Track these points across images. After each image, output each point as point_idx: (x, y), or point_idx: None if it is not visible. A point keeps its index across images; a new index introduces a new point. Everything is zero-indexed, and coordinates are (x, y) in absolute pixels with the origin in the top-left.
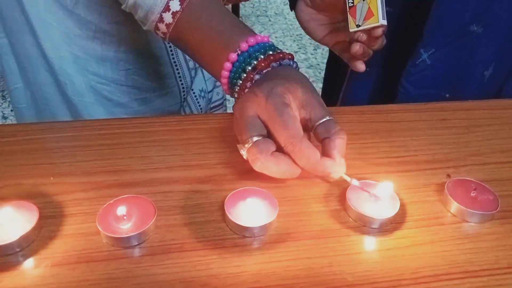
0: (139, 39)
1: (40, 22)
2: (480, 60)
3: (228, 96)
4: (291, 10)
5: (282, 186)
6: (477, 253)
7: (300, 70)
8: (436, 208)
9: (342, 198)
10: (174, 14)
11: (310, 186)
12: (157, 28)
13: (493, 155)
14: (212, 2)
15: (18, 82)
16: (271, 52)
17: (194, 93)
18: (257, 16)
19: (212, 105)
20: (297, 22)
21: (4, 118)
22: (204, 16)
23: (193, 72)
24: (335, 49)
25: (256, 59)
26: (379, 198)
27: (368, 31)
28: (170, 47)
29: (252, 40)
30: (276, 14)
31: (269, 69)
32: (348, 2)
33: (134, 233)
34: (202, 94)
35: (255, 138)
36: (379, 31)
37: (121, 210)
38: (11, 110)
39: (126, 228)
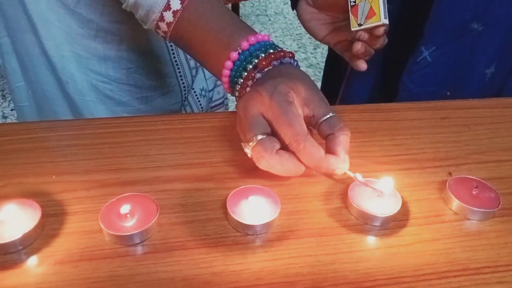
0: (141, 38)
1: (42, 21)
2: (481, 59)
3: (228, 95)
4: (293, 10)
5: (284, 184)
6: (479, 251)
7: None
8: (438, 206)
9: (344, 196)
10: (174, 13)
11: (312, 184)
12: (157, 27)
13: (494, 153)
14: (213, 1)
15: (20, 80)
16: (272, 51)
17: (195, 92)
18: (257, 16)
19: (212, 104)
20: (297, 22)
21: (4, 117)
22: (205, 15)
23: (194, 71)
24: (337, 48)
25: (257, 57)
26: (382, 193)
27: (370, 30)
28: (171, 46)
29: (252, 39)
30: (276, 13)
31: (270, 67)
32: (350, 1)
33: (136, 231)
34: (203, 93)
35: (259, 137)
36: (381, 30)
37: (125, 208)
38: (11, 110)
39: (128, 226)
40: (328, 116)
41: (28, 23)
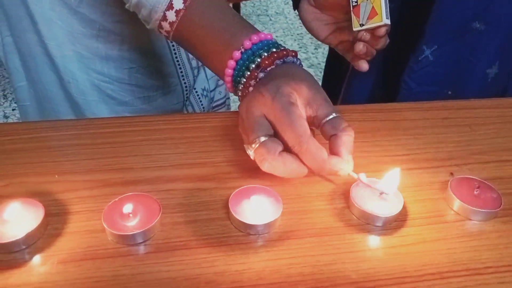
0: (143, 38)
1: (44, 21)
2: (482, 58)
3: (230, 95)
4: (294, 10)
5: (286, 184)
6: (480, 251)
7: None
8: (440, 206)
9: (346, 196)
10: (177, 12)
11: (314, 184)
12: (160, 26)
13: (496, 154)
14: (215, 0)
15: (22, 80)
16: (274, 50)
17: (196, 92)
18: (258, 15)
19: (214, 104)
20: (298, 21)
21: (6, 117)
22: (207, 14)
23: (195, 71)
24: (339, 48)
25: (260, 56)
26: (386, 193)
27: (372, 31)
28: (173, 46)
29: (255, 38)
30: (277, 13)
31: (273, 66)
32: (352, 2)
33: (139, 231)
34: (205, 93)
35: (262, 138)
36: (383, 31)
37: (127, 208)
38: (13, 109)
39: (131, 225)
40: (331, 116)
41: (30, 22)
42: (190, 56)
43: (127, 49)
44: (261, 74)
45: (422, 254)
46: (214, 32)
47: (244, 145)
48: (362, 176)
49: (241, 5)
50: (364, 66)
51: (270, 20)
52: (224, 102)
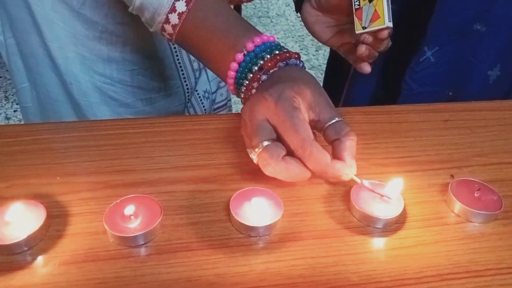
0: (145, 40)
1: (46, 23)
2: (483, 59)
3: (231, 97)
4: (297, 12)
5: (287, 186)
6: (481, 253)
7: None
8: (440, 208)
9: (346, 198)
10: (180, 15)
11: (315, 186)
12: (163, 29)
13: (497, 156)
14: (218, 2)
15: (25, 81)
16: (277, 52)
17: (198, 94)
18: (259, 17)
19: (215, 106)
20: (299, 23)
21: (7, 118)
22: (210, 17)
23: (197, 73)
24: (341, 51)
25: (263, 59)
26: (390, 199)
27: (374, 33)
28: (174, 48)
29: (258, 40)
30: (278, 15)
31: (276, 69)
32: (354, 4)
33: (140, 232)
34: (206, 95)
35: (265, 143)
36: (385, 33)
37: (129, 209)
38: (14, 111)
39: (132, 227)
40: (334, 121)
41: (32, 24)
42: (192, 58)
43: (129, 51)
44: (264, 77)
45: (422, 256)
46: (217, 35)
47: (247, 149)
48: (366, 183)
49: (242, 6)
50: (366, 68)
51: (271, 22)
52: (226, 104)
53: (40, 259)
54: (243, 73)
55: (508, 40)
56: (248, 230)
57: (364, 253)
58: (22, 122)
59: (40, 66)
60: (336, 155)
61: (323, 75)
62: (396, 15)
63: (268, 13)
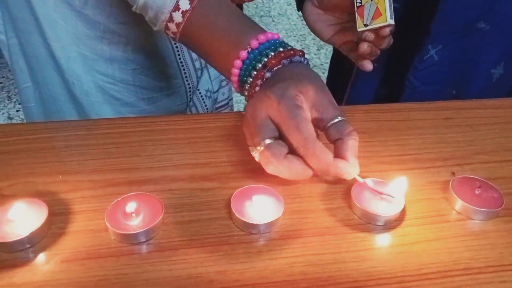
0: (147, 39)
1: (49, 22)
2: (487, 58)
3: (233, 96)
4: (298, 11)
5: (288, 184)
6: (481, 250)
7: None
8: (441, 205)
9: (347, 196)
10: (184, 13)
11: (316, 184)
12: (167, 28)
13: (498, 154)
14: (221, 0)
15: (27, 81)
16: (281, 49)
17: (200, 93)
18: (261, 17)
19: (217, 105)
20: (301, 23)
21: (10, 118)
22: (214, 15)
23: (199, 72)
24: (343, 49)
25: (267, 56)
26: (392, 197)
27: (376, 31)
28: (176, 47)
29: (262, 37)
30: (280, 14)
31: (280, 66)
32: (356, 2)
33: (142, 230)
34: (208, 94)
35: (267, 141)
36: (387, 31)
37: (131, 207)
38: (17, 111)
39: (134, 225)
40: (336, 120)
41: (35, 24)
42: (194, 57)
43: (131, 50)
44: (268, 74)
45: (423, 253)
46: (221, 32)
47: (249, 147)
48: (369, 182)
49: (244, 6)
50: (368, 66)
51: (273, 21)
52: (228, 103)
53: (42, 256)
54: (247, 71)
55: (511, 39)
56: (249, 228)
57: (365, 250)
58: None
59: (43, 66)
60: (338, 155)
61: (325, 73)
62: (399, 14)
63: (269, 12)
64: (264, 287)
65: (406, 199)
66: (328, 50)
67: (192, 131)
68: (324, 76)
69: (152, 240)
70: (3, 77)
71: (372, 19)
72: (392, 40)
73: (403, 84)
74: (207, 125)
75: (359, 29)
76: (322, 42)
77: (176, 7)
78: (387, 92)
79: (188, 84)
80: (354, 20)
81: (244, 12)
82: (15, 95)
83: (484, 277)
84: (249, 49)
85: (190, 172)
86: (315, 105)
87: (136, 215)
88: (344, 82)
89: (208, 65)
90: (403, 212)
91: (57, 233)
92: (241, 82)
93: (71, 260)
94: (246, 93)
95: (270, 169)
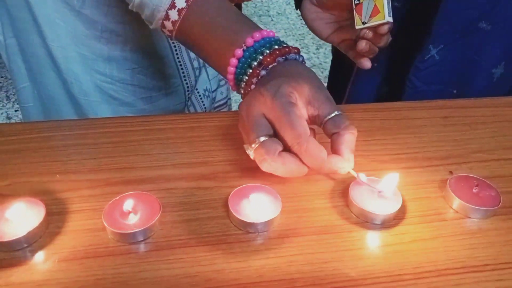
0: (145, 39)
1: (47, 22)
2: (488, 58)
3: (231, 95)
4: (296, 9)
5: (285, 183)
6: (479, 249)
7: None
8: (439, 204)
9: (345, 194)
10: (179, 11)
11: (313, 183)
12: (163, 26)
13: (495, 152)
14: None
15: (25, 81)
16: (276, 47)
17: (198, 92)
18: (260, 16)
19: (216, 105)
20: (299, 22)
21: (8, 118)
22: (210, 12)
23: (197, 72)
24: (341, 47)
25: (262, 54)
26: (384, 194)
27: (374, 28)
28: (174, 47)
29: (257, 35)
30: (279, 13)
31: (275, 64)
32: (354, 0)
33: (139, 229)
34: (206, 93)
35: (262, 138)
36: (385, 28)
37: (128, 206)
38: (16, 110)
39: (131, 224)
40: (333, 114)
41: (33, 24)
42: (192, 56)
43: (130, 50)
44: (263, 72)
45: (420, 252)
46: (216, 30)
47: (244, 145)
48: (362, 176)
49: (243, 5)
50: (366, 63)
51: (272, 20)
52: (226, 102)
53: (39, 255)
54: (242, 69)
55: None
56: (247, 227)
57: (362, 249)
58: None
59: (41, 66)
60: (334, 148)
61: (324, 72)
62: (400, 13)
63: (268, 11)
64: (261, 286)
65: (403, 198)
66: (327, 49)
67: (190, 130)
68: (323, 75)
69: (150, 239)
70: (2, 77)
71: (370, 17)
72: (390, 38)
73: (404, 84)
74: (204, 124)
75: (357, 27)
76: (321, 41)
77: (172, 5)
78: (388, 92)
79: (186, 83)
80: (352, 18)
81: (243, 11)
82: (13, 95)
83: (482, 276)
84: (244, 47)
85: (187, 171)
86: (310, 101)
87: (133, 214)
88: (344, 81)
89: (207, 65)
90: (400, 210)
91: (55, 233)
92: (237, 80)
93: (69, 259)
94: (242, 92)
95: (264, 166)
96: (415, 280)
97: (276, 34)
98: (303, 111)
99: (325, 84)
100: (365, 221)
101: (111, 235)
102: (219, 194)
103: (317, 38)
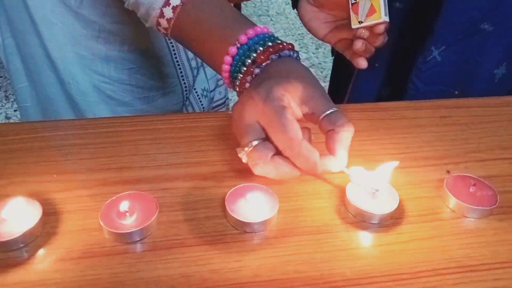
0: (143, 38)
1: (45, 23)
2: (490, 59)
3: (230, 95)
4: (293, 9)
5: (282, 183)
6: (476, 248)
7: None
8: (436, 203)
9: (341, 194)
10: (174, 8)
11: (310, 182)
12: (158, 24)
13: (492, 152)
14: None
15: (23, 81)
16: (270, 43)
17: (196, 92)
18: (259, 16)
19: (214, 104)
20: (299, 22)
21: (7, 118)
22: (205, 10)
23: (195, 71)
24: (338, 46)
25: (255, 51)
26: (377, 190)
27: (370, 28)
28: (172, 46)
29: (251, 32)
30: (278, 13)
31: (269, 61)
32: None
33: (136, 229)
34: (204, 93)
35: (254, 143)
36: (381, 28)
37: (124, 206)
38: (15, 110)
39: (128, 224)
40: (329, 112)
41: (31, 24)
42: (190, 56)
43: (127, 50)
44: (257, 70)
45: (417, 251)
46: (211, 28)
47: (237, 149)
48: (356, 172)
49: (242, 5)
50: (362, 63)
51: (271, 20)
52: (224, 102)
53: (36, 255)
54: (236, 67)
55: None
56: (244, 226)
57: (359, 248)
58: None
59: (39, 66)
60: (328, 146)
61: (323, 72)
62: (402, 14)
63: (268, 11)
64: (258, 286)
65: (400, 197)
66: (326, 49)
67: (187, 130)
68: (322, 75)
69: (146, 239)
70: (1, 77)
71: (366, 16)
72: (386, 38)
73: (406, 85)
74: (202, 124)
75: (353, 26)
76: (320, 41)
77: (167, 3)
78: (390, 93)
79: (184, 83)
80: (349, 18)
81: (242, 11)
82: (12, 94)
83: (478, 275)
84: (238, 45)
85: (185, 171)
86: (305, 101)
87: (130, 214)
88: (346, 82)
89: (205, 64)
90: (397, 210)
91: (51, 232)
92: (232, 78)
93: (65, 259)
94: (237, 89)
95: (257, 170)
96: (412, 279)
97: (275, 34)
98: (297, 111)
99: (326, 84)
100: (362, 220)
101: (107, 235)
102: (216, 194)
103: (313, 36)
